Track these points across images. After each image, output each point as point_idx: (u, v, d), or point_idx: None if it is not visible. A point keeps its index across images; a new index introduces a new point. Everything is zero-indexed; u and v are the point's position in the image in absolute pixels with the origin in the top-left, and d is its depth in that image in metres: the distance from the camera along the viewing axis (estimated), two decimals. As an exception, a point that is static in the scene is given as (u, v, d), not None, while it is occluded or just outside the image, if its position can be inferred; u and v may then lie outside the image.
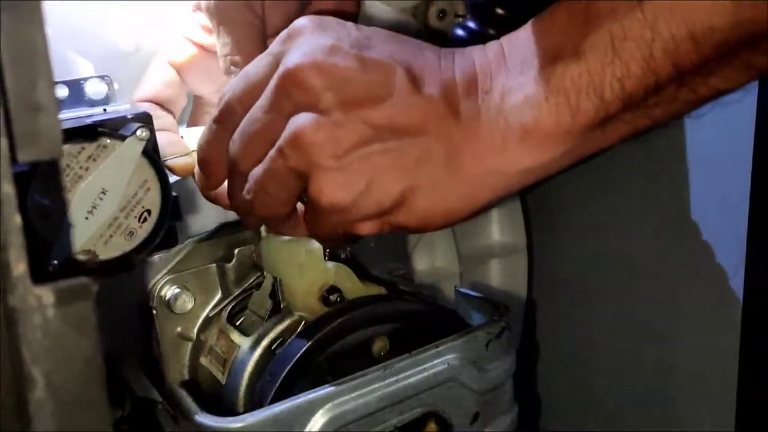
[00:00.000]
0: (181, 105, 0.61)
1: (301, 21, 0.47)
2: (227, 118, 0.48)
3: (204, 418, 0.46)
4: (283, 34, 0.47)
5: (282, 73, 0.45)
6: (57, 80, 0.54)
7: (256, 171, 0.47)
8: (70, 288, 0.26)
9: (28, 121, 0.25)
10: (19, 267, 0.25)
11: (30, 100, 0.25)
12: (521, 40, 0.45)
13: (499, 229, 0.72)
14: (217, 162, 0.50)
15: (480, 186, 0.45)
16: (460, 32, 0.63)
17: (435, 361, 0.51)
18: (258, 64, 0.48)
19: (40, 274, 0.26)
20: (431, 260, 0.68)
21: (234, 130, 0.48)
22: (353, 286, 0.56)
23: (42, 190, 0.45)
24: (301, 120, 0.44)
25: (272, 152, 0.46)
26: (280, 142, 0.45)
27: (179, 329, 0.59)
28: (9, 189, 0.25)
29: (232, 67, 0.54)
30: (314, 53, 0.44)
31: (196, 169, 0.53)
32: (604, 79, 0.42)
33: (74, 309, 0.26)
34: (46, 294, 0.26)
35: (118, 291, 0.57)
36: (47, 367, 0.26)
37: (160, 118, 0.57)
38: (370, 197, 0.45)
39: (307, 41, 0.45)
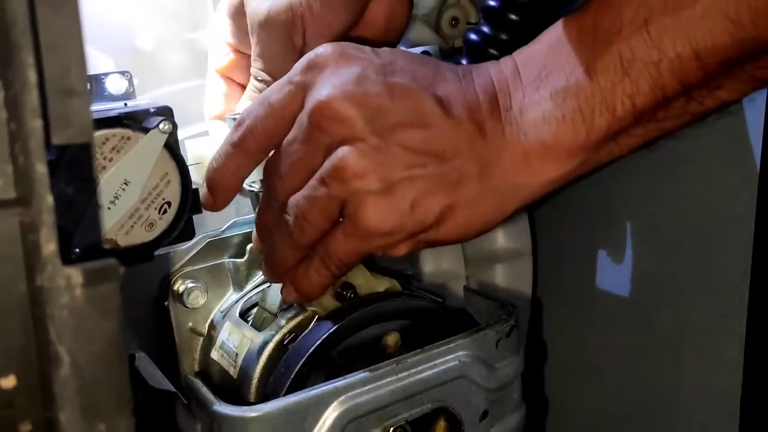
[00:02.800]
0: None
1: (322, 50, 0.47)
2: (245, 143, 0.49)
3: (221, 407, 0.46)
4: (303, 62, 0.47)
5: (315, 107, 0.45)
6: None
7: (296, 198, 0.47)
8: (98, 269, 0.26)
9: (62, 104, 0.25)
10: (50, 246, 0.26)
11: (64, 84, 0.25)
12: (534, 57, 0.47)
13: (504, 235, 0.72)
14: (228, 185, 0.50)
15: (508, 197, 0.47)
16: (473, 36, 0.63)
17: (446, 358, 0.51)
18: (279, 93, 0.48)
19: (67, 256, 0.27)
20: (438, 262, 0.68)
21: (250, 156, 0.49)
22: (366, 282, 0.56)
23: (68, 178, 0.46)
24: (342, 153, 0.45)
25: (313, 181, 0.46)
26: (322, 174, 0.46)
27: (191, 324, 0.60)
28: (42, 169, 0.25)
29: (256, 81, 0.54)
30: (344, 84, 0.45)
31: (203, 189, 0.52)
32: (615, 96, 0.43)
33: (100, 290, 0.27)
34: (75, 274, 0.26)
35: (131, 284, 0.58)
36: (73, 346, 0.26)
37: None
38: (414, 217, 0.46)
39: (334, 72, 0.46)
